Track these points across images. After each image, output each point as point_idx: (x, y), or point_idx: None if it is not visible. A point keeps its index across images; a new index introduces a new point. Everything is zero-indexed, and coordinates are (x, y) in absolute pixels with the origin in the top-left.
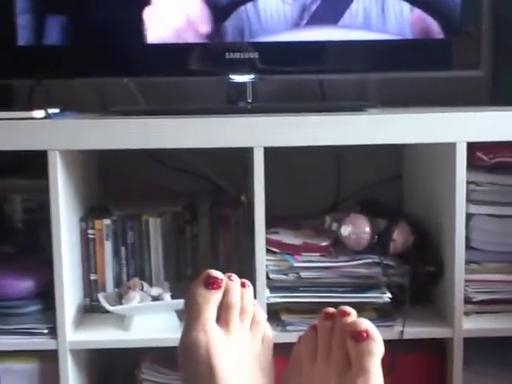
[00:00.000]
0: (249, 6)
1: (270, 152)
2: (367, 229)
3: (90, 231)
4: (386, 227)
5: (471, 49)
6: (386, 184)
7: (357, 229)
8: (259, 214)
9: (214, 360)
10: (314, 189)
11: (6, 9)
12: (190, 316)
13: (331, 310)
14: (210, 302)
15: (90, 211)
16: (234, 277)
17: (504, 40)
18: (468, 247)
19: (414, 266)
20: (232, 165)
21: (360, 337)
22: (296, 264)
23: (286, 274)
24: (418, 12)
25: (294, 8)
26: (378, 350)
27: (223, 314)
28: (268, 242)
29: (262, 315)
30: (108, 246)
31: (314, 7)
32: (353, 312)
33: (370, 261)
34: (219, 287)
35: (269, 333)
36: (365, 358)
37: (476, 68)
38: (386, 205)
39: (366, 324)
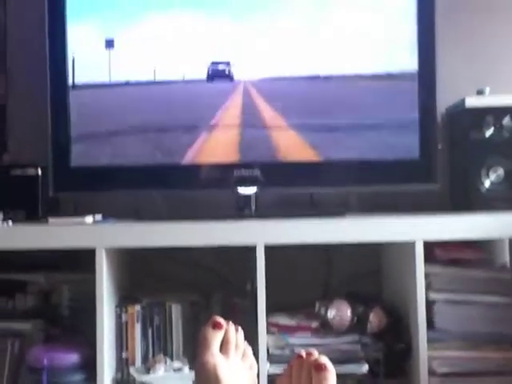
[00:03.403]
0: (253, 131)
1: (270, 249)
2: (348, 312)
3: (124, 316)
4: (364, 311)
5: (430, 167)
6: (368, 275)
7: (340, 312)
8: (261, 301)
9: (219, 374)
10: (306, 280)
11: (64, 140)
12: (202, 346)
13: (302, 352)
14: (216, 337)
15: (123, 299)
16: (231, 324)
17: (457, 158)
18: (432, 328)
19: (388, 344)
20: (239, 259)
21: (320, 368)
22: (291, 341)
23: (282, 350)
24: (387, 138)
25: None
26: (332, 378)
27: (224, 347)
28: (268, 324)
29: (250, 351)
30: (138, 328)
31: None
32: (316, 353)
33: (351, 339)
34: (221, 328)
35: (254, 363)
36: (323, 383)
37: (434, 182)
38: (366, 293)
39: (324, 360)
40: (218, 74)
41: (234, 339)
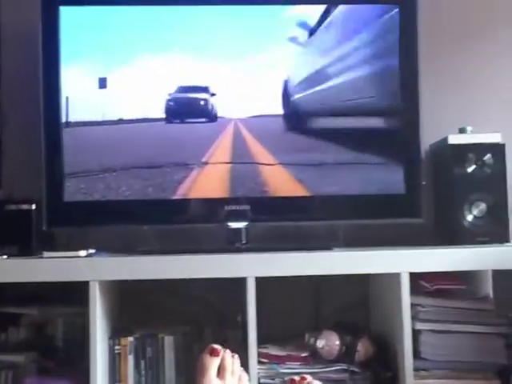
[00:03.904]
0: (243, 167)
1: (260, 282)
2: (337, 342)
3: (117, 347)
4: (352, 341)
5: (414, 202)
6: (356, 306)
7: (329, 342)
8: (252, 332)
9: None
10: (296, 311)
11: (57, 176)
12: (200, 372)
13: (296, 378)
14: (213, 363)
15: (116, 331)
16: (228, 351)
17: (441, 193)
18: (418, 357)
19: (375, 372)
20: (230, 291)
21: None
22: (281, 371)
23: (273, 379)
24: (373, 174)
25: None
26: None
27: (220, 372)
28: (259, 354)
29: (245, 377)
30: (130, 359)
31: None
32: (309, 377)
33: (339, 368)
34: (218, 355)
35: None
36: None
37: (419, 216)
38: (354, 324)
39: (317, 382)
40: (194, 108)
41: (231, 365)
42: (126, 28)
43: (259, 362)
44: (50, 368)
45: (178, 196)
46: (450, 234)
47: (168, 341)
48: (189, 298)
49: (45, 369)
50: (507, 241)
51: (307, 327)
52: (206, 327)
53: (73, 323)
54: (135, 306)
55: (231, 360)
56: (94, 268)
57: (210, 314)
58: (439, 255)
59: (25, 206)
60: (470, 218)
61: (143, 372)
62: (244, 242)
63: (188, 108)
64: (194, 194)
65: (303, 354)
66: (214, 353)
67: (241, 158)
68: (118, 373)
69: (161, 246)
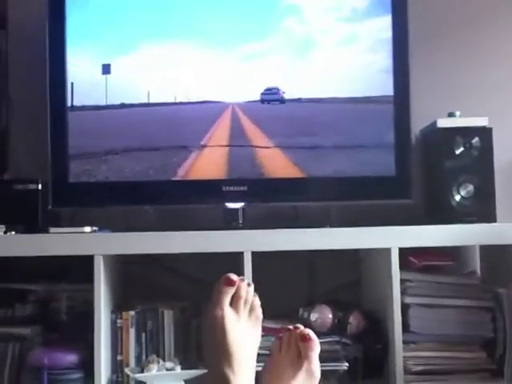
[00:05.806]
0: (241, 150)
1: (256, 260)
2: (330, 315)
3: (119, 321)
4: (344, 314)
5: (404, 184)
6: (348, 285)
7: (322, 315)
8: None
9: (226, 326)
10: (291, 291)
11: (62, 158)
12: (214, 300)
13: (290, 327)
14: (227, 293)
15: (117, 306)
16: (244, 279)
17: (431, 176)
18: (408, 330)
19: (366, 344)
20: (228, 268)
21: (305, 338)
22: None
23: (269, 350)
24: (365, 157)
25: None
26: (316, 346)
27: (234, 302)
28: None
29: (258, 301)
30: (132, 332)
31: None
32: (301, 326)
33: (331, 340)
34: (234, 285)
35: (260, 315)
36: (308, 350)
37: (409, 197)
38: (347, 301)
39: (308, 331)
40: None
41: (245, 295)
42: (130, 16)
43: None
44: (55, 340)
45: (177, 177)
46: (438, 215)
47: (168, 315)
48: (187, 276)
49: (50, 341)
50: (494, 221)
51: (301, 303)
52: (203, 303)
53: (76, 299)
54: (136, 282)
55: (246, 289)
56: (98, 243)
57: (207, 291)
58: (428, 231)
59: (31, 186)
60: (458, 198)
61: (144, 344)
62: (241, 221)
63: None
64: (192, 176)
65: None
66: (229, 283)
67: (238, 141)
68: (119, 345)
69: (161, 225)
